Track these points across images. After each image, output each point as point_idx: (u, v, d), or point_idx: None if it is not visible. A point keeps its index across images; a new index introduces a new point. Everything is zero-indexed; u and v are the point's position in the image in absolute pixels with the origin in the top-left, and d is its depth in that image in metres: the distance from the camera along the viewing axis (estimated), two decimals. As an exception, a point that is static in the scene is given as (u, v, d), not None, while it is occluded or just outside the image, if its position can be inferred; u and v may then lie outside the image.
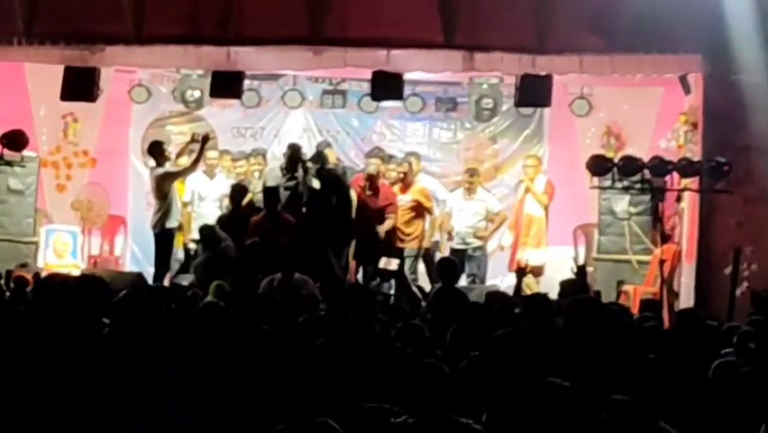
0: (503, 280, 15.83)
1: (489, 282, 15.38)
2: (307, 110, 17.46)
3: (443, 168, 17.42)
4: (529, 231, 15.71)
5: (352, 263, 15.12)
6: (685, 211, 14.49)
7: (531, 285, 14.24)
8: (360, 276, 14.98)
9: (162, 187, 14.62)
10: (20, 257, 15.45)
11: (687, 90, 14.67)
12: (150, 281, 13.77)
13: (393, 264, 13.75)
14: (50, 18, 14.55)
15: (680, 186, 13.68)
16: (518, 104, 15.54)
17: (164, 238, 14.69)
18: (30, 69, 16.24)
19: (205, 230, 14.32)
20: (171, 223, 14.68)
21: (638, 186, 13.54)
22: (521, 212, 15.88)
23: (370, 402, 5.94)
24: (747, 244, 13.44)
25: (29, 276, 11.89)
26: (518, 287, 11.26)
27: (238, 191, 15.17)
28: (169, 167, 14.77)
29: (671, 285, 13.93)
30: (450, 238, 15.66)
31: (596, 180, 14.03)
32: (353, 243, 15.03)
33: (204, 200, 15.81)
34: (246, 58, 14.73)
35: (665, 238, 13.63)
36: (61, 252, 16.11)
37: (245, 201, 15.12)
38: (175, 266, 15.06)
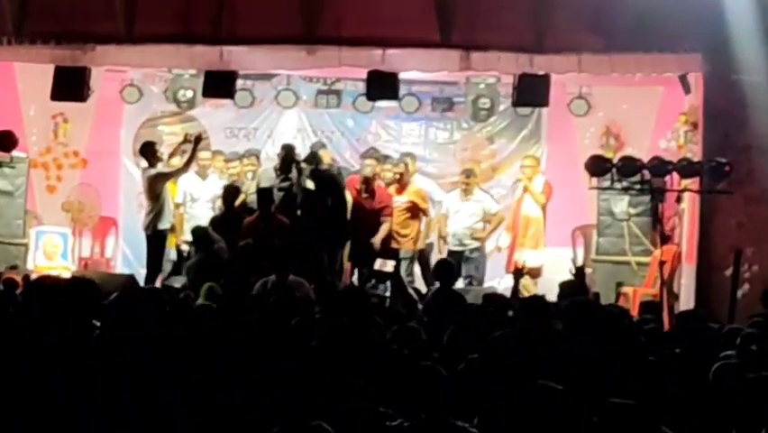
0: (500, 282, 15.80)
1: (486, 284, 15.32)
2: (301, 110, 17.39)
3: (440, 168, 17.34)
4: (527, 232, 15.62)
5: (347, 265, 14.97)
6: (685, 212, 14.45)
7: (529, 287, 14.24)
8: (355, 278, 14.83)
9: (154, 188, 14.53)
10: (9, 259, 15.40)
11: (687, 90, 14.63)
12: (142, 283, 13.69)
13: (389, 266, 13.70)
14: (41, 17, 14.53)
15: (680, 186, 13.64)
16: (516, 103, 15.47)
17: (156, 240, 14.60)
18: (19, 68, 16.17)
19: (197, 231, 14.19)
20: (163, 224, 14.60)
21: (638, 186, 13.48)
22: (518, 213, 15.80)
23: (366, 405, 5.88)
24: (748, 245, 13.42)
25: (18, 278, 11.81)
26: (516, 289, 11.24)
27: (231, 192, 15.05)
28: (161, 168, 14.68)
29: (671, 287, 13.90)
30: (445, 242, 15.51)
31: (595, 181, 14.04)
32: (348, 244, 14.86)
33: (196, 201, 15.67)
34: (239, 57, 14.67)
35: (665, 239, 13.69)
36: (51, 254, 16.06)
37: (238, 202, 15.01)
38: (167, 268, 14.93)
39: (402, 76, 14.90)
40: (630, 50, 13.99)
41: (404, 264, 14.89)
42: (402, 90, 15.38)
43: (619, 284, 14.65)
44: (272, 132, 17.46)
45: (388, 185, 15.33)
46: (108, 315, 7.24)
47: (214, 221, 14.78)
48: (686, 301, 13.76)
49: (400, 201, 15.20)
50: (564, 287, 10.43)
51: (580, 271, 12.19)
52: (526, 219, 15.64)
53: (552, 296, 9.84)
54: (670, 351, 7.78)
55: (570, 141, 16.81)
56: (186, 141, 15.02)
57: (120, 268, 16.74)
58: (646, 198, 14.46)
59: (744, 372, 6.94)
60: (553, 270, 14.51)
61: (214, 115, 17.30)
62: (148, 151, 14.74)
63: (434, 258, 14.75)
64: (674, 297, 13.95)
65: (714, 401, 6.74)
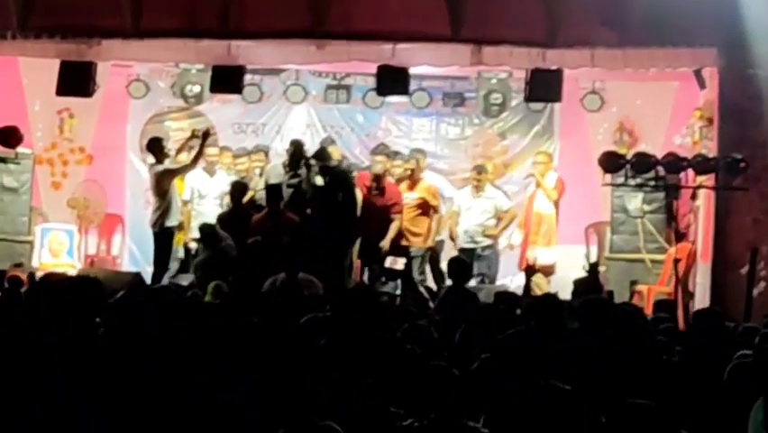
0: (513, 280, 15.75)
1: (498, 282, 15.25)
2: (311, 105, 17.31)
3: (451, 165, 17.24)
4: (539, 229, 15.47)
5: (357, 263, 14.83)
6: (700, 209, 14.40)
7: (541, 285, 14.18)
8: (365, 276, 14.72)
9: (161, 184, 14.46)
10: (14, 257, 15.38)
11: (702, 85, 14.62)
12: (149, 281, 13.64)
13: (399, 264, 13.67)
14: (46, 11, 14.55)
15: (695, 183, 13.62)
16: (528, 99, 15.38)
17: (163, 237, 14.52)
18: (24, 63, 16.18)
19: (205, 229, 14.14)
20: (171, 221, 14.52)
21: (652, 183, 13.41)
22: (531, 210, 15.66)
23: (376, 405, 5.86)
24: (765, 243, 13.42)
25: (24, 276, 11.74)
26: (527, 287, 11.16)
27: (238, 189, 14.99)
28: (168, 164, 14.64)
29: (686, 285, 13.90)
30: (453, 240, 15.36)
31: (608, 178, 13.91)
32: (359, 242, 14.72)
33: (204, 198, 15.61)
34: (247, 52, 14.65)
35: (680, 237, 13.80)
36: (57, 251, 16.11)
37: (246, 199, 14.94)
38: (174, 265, 14.84)
39: (412, 71, 14.83)
40: (644, 45, 13.96)
41: (416, 263, 14.76)
42: (412, 85, 15.32)
43: (633, 282, 14.57)
44: (281, 127, 17.36)
45: (398, 181, 15.24)
46: (114, 313, 7.15)
47: (221, 218, 14.71)
48: (701, 300, 13.71)
49: (411, 198, 15.08)
50: (578, 284, 10.38)
51: (593, 267, 12.11)
52: (539, 216, 15.50)
53: (565, 294, 9.79)
54: (685, 350, 7.74)
55: (583, 137, 16.72)
56: (193, 136, 14.95)
57: (126, 266, 16.71)
58: (661, 194, 14.40)
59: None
60: (566, 267, 14.53)
61: (221, 111, 17.21)
62: (155, 147, 14.69)
63: (445, 256, 14.61)
64: (689, 295, 13.93)
65: (729, 401, 6.63)
